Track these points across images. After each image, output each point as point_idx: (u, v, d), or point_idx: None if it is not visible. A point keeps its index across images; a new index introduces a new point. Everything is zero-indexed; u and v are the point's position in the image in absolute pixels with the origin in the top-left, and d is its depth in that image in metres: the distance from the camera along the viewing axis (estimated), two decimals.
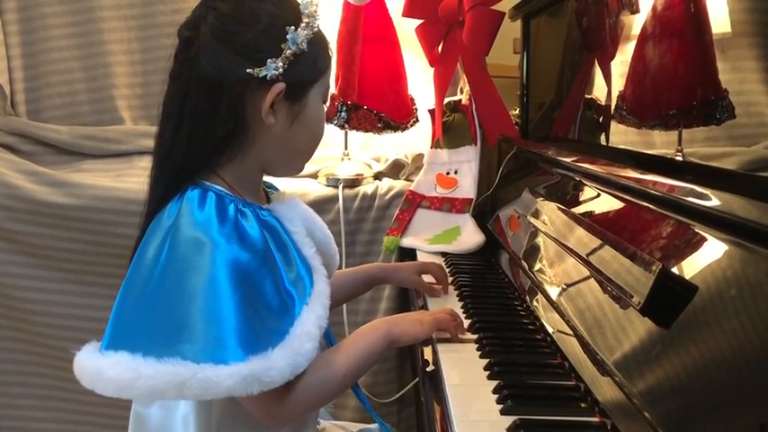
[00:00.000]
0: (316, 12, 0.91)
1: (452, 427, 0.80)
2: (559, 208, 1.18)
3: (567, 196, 1.25)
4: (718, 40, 0.97)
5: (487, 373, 0.92)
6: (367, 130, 1.84)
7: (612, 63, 1.26)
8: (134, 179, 1.76)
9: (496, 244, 1.49)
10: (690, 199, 0.82)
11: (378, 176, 1.91)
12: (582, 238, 1.01)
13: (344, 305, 1.71)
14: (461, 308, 1.20)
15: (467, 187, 1.71)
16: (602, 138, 1.32)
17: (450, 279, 1.33)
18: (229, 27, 0.88)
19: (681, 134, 1.04)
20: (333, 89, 1.82)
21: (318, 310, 0.88)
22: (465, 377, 0.93)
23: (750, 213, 0.70)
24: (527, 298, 1.18)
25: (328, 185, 1.81)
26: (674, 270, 0.76)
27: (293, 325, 0.85)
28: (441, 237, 1.64)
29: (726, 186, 0.77)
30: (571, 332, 0.92)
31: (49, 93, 1.91)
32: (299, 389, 0.86)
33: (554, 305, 1.02)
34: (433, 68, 1.80)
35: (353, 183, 1.81)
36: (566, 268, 1.04)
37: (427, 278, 1.31)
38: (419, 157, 1.88)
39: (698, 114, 1.01)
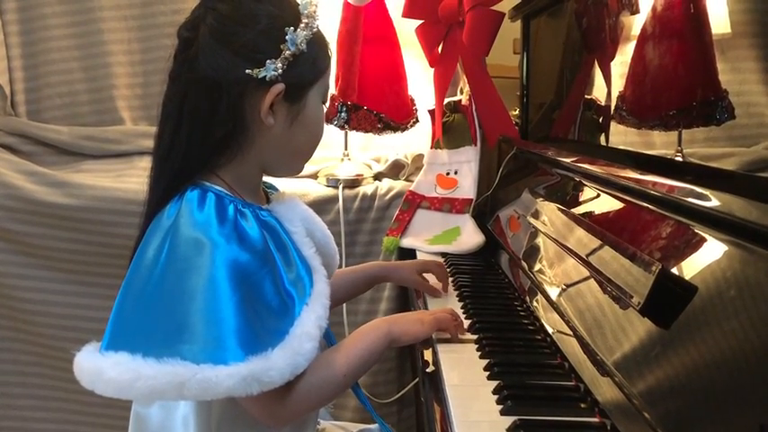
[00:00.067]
0: (315, 12, 0.91)
1: (452, 427, 0.80)
2: (559, 208, 1.18)
3: (566, 197, 1.25)
4: (718, 41, 0.97)
5: (487, 373, 0.92)
6: (367, 131, 1.84)
7: (612, 63, 1.26)
8: (134, 179, 1.76)
9: (496, 244, 1.49)
10: (689, 199, 0.82)
11: (378, 177, 1.91)
12: (582, 239, 1.01)
13: (344, 305, 1.71)
14: (461, 308, 1.20)
15: (467, 188, 1.71)
16: (602, 138, 1.32)
17: (449, 279, 1.33)
18: (228, 28, 0.88)
19: (681, 135, 1.04)
20: (333, 89, 1.82)
21: (318, 311, 0.88)
22: (465, 377, 0.93)
23: (750, 214, 0.70)
24: (527, 298, 1.18)
25: (328, 186, 1.81)
26: (674, 271, 0.76)
27: (293, 325, 0.85)
28: (440, 237, 1.65)
29: (725, 187, 0.77)
30: (571, 332, 0.92)
31: (49, 93, 1.91)
32: (299, 389, 0.86)
33: (554, 305, 1.02)
34: (432, 69, 1.80)
35: (353, 183, 1.81)
36: (565, 269, 1.04)
37: (428, 277, 1.31)
38: (419, 157, 1.88)
39: (698, 115, 1.01)
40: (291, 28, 0.88)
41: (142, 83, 1.95)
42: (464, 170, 1.73)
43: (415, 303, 1.31)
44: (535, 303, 1.12)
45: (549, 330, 1.01)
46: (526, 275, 1.21)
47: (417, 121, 1.89)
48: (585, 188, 1.17)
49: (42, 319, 1.76)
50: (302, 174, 1.13)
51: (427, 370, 0.99)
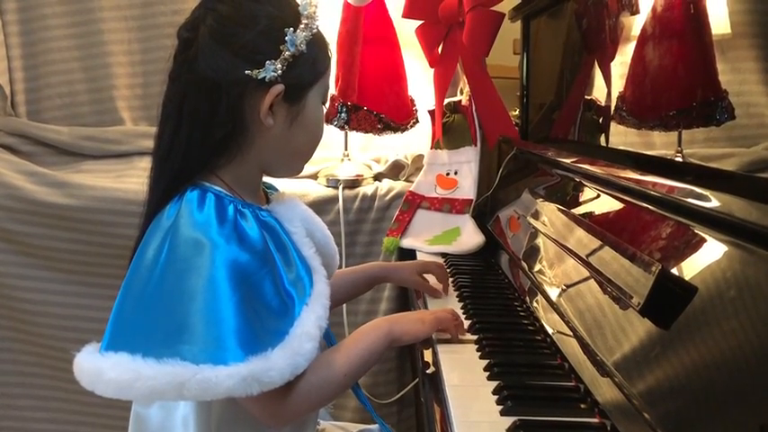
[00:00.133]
0: (315, 13, 0.91)
1: (452, 427, 0.80)
2: (559, 209, 1.18)
3: (566, 197, 1.25)
4: (718, 41, 0.97)
5: (487, 373, 0.92)
6: (367, 131, 1.84)
7: (612, 64, 1.26)
8: (134, 180, 1.76)
9: (496, 245, 1.49)
10: (689, 200, 0.82)
11: (378, 177, 1.91)
12: (582, 239, 1.01)
13: (344, 305, 1.71)
14: (461, 308, 1.20)
15: (467, 188, 1.71)
16: (602, 139, 1.32)
17: (449, 280, 1.33)
18: (228, 29, 0.88)
19: (680, 135, 1.04)
20: (333, 90, 1.82)
21: (318, 311, 0.88)
22: (465, 378, 0.93)
23: (750, 214, 0.70)
24: (527, 299, 1.18)
25: (328, 186, 1.81)
26: (674, 271, 0.76)
27: (293, 325, 0.85)
28: (440, 237, 1.65)
29: (725, 187, 0.77)
30: (571, 333, 0.92)
31: (50, 93, 1.91)
32: (299, 389, 0.86)
33: (554, 306, 1.02)
34: (432, 69, 1.80)
35: (353, 184, 1.81)
36: (565, 269, 1.04)
37: (428, 278, 1.31)
38: (419, 157, 1.88)
39: (698, 115, 1.01)
40: (291, 29, 0.88)
41: (142, 83, 1.95)
42: (464, 170, 1.73)
43: (415, 304, 1.31)
44: (535, 304, 1.12)
45: (549, 331, 1.01)
46: (526, 276, 1.21)
47: (417, 121, 1.89)
48: (585, 188, 1.17)
49: (42, 320, 1.76)
50: (302, 174, 1.12)
51: (427, 372, 0.99)
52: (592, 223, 1.03)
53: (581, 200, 1.17)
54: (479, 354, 1.00)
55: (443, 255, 1.58)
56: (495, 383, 0.88)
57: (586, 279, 0.95)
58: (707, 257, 0.74)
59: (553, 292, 1.04)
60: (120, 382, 0.79)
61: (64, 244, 1.72)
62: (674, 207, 0.85)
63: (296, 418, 0.92)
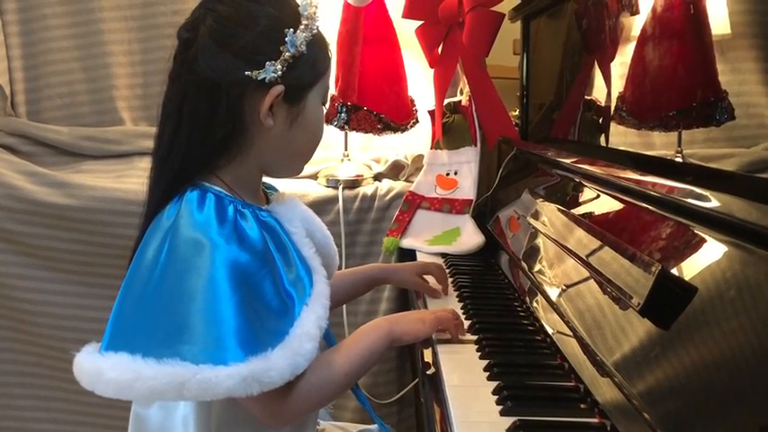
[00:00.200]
0: (315, 14, 0.91)
1: (452, 427, 0.80)
2: (559, 209, 1.18)
3: (566, 197, 1.25)
4: (718, 42, 0.97)
5: (487, 374, 0.92)
6: (367, 132, 1.84)
7: (612, 64, 1.26)
8: (134, 180, 1.76)
9: (496, 245, 1.49)
10: (689, 200, 0.82)
11: (378, 177, 1.91)
12: (581, 240, 1.01)
13: (344, 306, 1.71)
14: (461, 309, 1.20)
15: (467, 188, 1.71)
16: (602, 139, 1.32)
17: (449, 280, 1.33)
18: (228, 29, 0.88)
19: (680, 135, 1.04)
20: (333, 90, 1.82)
21: (318, 311, 0.88)
22: (465, 378, 0.93)
23: (749, 215, 0.70)
24: (527, 299, 1.18)
25: (328, 186, 1.81)
26: (674, 271, 0.76)
27: (293, 325, 0.85)
28: (440, 238, 1.65)
29: (725, 188, 0.77)
30: (571, 333, 0.92)
31: (50, 93, 1.91)
32: (299, 389, 0.86)
33: (554, 306, 1.02)
34: (432, 70, 1.80)
35: (353, 184, 1.81)
36: (565, 269, 1.04)
37: (428, 279, 1.31)
38: (419, 158, 1.88)
39: (697, 116, 1.01)
40: (291, 29, 0.88)
41: (142, 83, 1.95)
42: (464, 171, 1.73)
43: (415, 304, 1.31)
44: (535, 304, 1.12)
45: (549, 331, 1.01)
46: (526, 276, 1.21)
47: (417, 121, 1.89)
48: (585, 189, 1.17)
49: (42, 320, 1.76)
50: (302, 174, 1.12)
51: (428, 372, 0.99)
52: (592, 223, 1.03)
53: (581, 200, 1.17)
54: (479, 354, 1.00)
55: (443, 255, 1.58)
56: (494, 383, 0.88)
57: (586, 279, 0.95)
58: (707, 258, 0.74)
59: (553, 293, 1.04)
60: (120, 382, 0.79)
61: (64, 244, 1.72)
62: (673, 207, 0.85)
63: (296, 418, 0.92)
